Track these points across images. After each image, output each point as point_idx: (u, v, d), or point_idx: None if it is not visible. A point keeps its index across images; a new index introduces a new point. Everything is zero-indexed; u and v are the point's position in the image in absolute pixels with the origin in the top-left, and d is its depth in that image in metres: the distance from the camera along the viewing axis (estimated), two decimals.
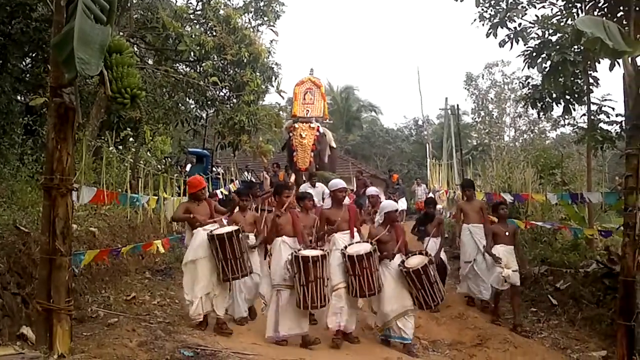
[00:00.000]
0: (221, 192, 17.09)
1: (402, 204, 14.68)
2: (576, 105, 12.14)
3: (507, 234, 9.42)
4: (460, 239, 10.42)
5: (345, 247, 8.14)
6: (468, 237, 10.19)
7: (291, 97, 27.59)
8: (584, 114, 11.98)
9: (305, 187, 14.42)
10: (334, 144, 20.94)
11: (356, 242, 8.34)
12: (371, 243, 8.10)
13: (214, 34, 15.44)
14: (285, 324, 7.93)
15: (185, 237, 9.49)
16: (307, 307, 7.70)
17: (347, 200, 9.14)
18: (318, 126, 19.65)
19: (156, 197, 11.90)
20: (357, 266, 7.82)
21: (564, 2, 11.18)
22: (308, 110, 19.58)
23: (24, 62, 13.59)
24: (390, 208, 8.60)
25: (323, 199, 13.75)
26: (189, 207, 8.47)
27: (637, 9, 8.64)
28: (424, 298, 7.90)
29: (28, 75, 13.36)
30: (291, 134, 19.67)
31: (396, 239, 8.41)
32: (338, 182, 8.85)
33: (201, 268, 8.08)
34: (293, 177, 18.74)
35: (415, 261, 8.07)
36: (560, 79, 11.43)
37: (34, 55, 13.15)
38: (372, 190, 13.14)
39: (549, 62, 11.25)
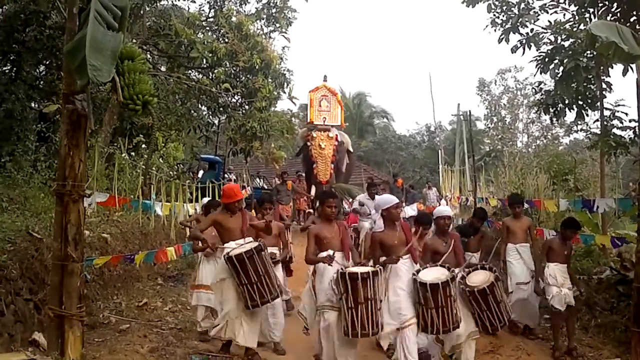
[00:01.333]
0: None
1: (411, 210, 13.55)
2: (589, 111, 12.06)
3: (565, 252, 8.39)
4: (507, 260, 9.37)
5: (415, 274, 6.66)
6: (516, 257, 9.23)
7: (304, 104, 27.52)
8: (597, 120, 11.89)
9: (362, 198, 12.87)
10: (351, 148, 20.29)
11: (427, 267, 6.85)
12: (448, 268, 6.73)
13: (226, 40, 15.48)
14: (330, 355, 6.72)
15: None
16: (357, 334, 6.34)
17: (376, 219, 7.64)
18: (337, 135, 19.09)
19: (169, 204, 11.95)
20: (434, 296, 6.40)
21: (577, 7, 11.13)
22: (325, 118, 19.12)
23: (37, 70, 13.69)
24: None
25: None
26: (219, 220, 7.43)
27: None
28: (489, 320, 6.79)
29: (42, 82, 13.45)
30: (309, 143, 18.94)
31: (454, 250, 7.23)
32: (390, 198, 7.23)
33: (227, 289, 7.12)
34: (313, 190, 18.42)
35: (479, 278, 6.95)
36: (573, 85, 11.36)
37: (47, 62, 13.24)
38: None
39: (561, 68, 11.19)
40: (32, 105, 13.17)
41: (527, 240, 9.30)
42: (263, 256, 7.01)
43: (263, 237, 7.71)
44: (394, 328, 6.57)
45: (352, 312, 6.30)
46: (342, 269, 6.51)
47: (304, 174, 20.61)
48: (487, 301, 6.69)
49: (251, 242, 7.29)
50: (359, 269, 6.47)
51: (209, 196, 15.28)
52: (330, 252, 6.78)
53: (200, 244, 7.87)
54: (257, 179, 24.76)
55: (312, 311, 7.07)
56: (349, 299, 6.30)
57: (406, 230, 7.07)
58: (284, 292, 8.27)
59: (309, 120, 19.18)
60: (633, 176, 17.85)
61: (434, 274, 6.61)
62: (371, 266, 6.64)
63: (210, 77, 16.12)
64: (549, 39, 11.74)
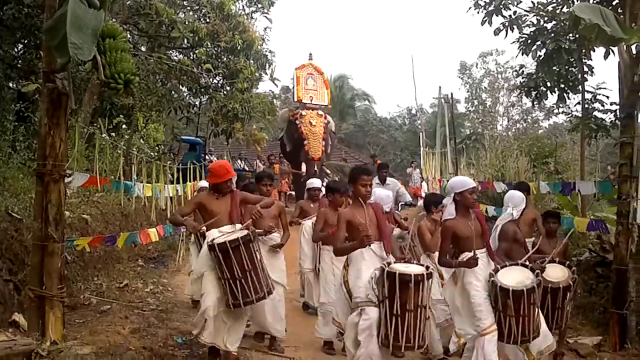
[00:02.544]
0: None
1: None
2: (570, 94, 12.12)
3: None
4: None
5: (493, 274, 5.65)
6: None
7: (286, 85, 27.14)
8: (578, 103, 11.96)
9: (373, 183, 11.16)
10: (334, 129, 20.21)
11: (505, 266, 5.80)
12: (531, 269, 5.72)
13: (208, 20, 15.34)
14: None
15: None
16: (400, 347, 5.36)
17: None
18: (325, 115, 18.92)
19: (150, 185, 11.87)
20: (516, 304, 5.44)
21: None
22: (312, 97, 18.79)
23: (16, 49, 13.50)
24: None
25: (397, 201, 10.85)
26: (204, 202, 6.47)
27: None
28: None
29: (20, 61, 13.26)
30: (298, 121, 18.57)
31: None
32: (466, 180, 6.10)
33: (208, 281, 6.20)
34: (304, 167, 18.15)
35: (557, 274, 6.28)
36: (554, 67, 11.40)
37: (26, 41, 13.04)
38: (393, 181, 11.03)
39: (543, 50, 11.22)
40: (10, 84, 12.98)
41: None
42: (251, 248, 6.07)
43: (260, 219, 6.76)
44: (469, 336, 5.74)
45: (398, 321, 5.24)
46: (387, 265, 5.43)
47: (284, 154, 20.39)
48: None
49: (240, 230, 6.27)
50: (411, 269, 5.40)
51: (190, 178, 15.22)
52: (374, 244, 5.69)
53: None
54: (239, 161, 24.67)
55: (346, 314, 5.82)
56: (395, 304, 5.24)
57: (481, 218, 6.06)
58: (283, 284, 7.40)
59: (296, 99, 18.83)
60: (611, 159, 18.00)
61: (515, 277, 5.62)
62: (421, 264, 5.76)
63: (191, 58, 15.97)
64: (532, 21, 11.73)
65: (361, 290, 5.54)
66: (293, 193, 19.96)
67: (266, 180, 7.77)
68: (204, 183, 9.86)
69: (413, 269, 5.40)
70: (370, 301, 5.47)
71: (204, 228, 6.35)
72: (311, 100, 18.61)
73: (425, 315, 5.35)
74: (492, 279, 5.59)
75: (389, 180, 10.85)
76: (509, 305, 5.42)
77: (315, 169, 17.56)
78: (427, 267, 5.51)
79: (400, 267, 5.39)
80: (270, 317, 7.11)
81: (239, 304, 6.01)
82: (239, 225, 6.38)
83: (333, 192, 7.79)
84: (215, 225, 6.30)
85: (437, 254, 6.41)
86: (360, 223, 5.66)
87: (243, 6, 16.86)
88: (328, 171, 18.91)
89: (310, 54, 19.36)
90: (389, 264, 5.47)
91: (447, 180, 18.51)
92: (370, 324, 5.40)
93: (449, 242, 5.87)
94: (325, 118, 18.58)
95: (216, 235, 6.17)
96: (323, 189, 9.23)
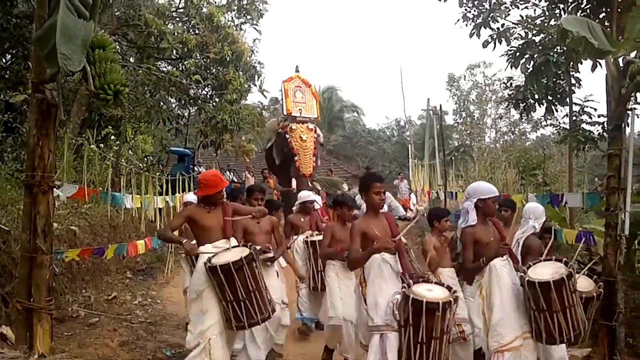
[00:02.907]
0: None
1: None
2: (558, 106, 12.20)
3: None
4: None
5: (524, 274, 5.38)
6: None
7: (274, 97, 26.95)
8: (566, 115, 12.04)
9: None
10: (322, 141, 19.80)
11: (531, 266, 5.55)
12: (565, 262, 5.46)
13: (197, 31, 15.37)
14: None
15: None
16: None
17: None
18: (315, 128, 18.43)
19: (139, 196, 11.82)
20: (559, 295, 5.12)
21: (547, 3, 11.22)
22: (301, 110, 18.33)
23: (4, 59, 13.45)
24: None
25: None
26: (194, 216, 5.88)
27: (620, 10, 8.71)
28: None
29: (8, 72, 13.22)
30: (288, 135, 17.92)
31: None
32: (489, 187, 6.04)
33: (208, 299, 5.61)
34: (294, 183, 17.63)
35: (584, 284, 5.74)
36: (543, 80, 11.49)
37: (14, 51, 13.01)
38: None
39: (532, 63, 11.30)
40: None
41: None
42: (254, 267, 5.59)
43: (253, 235, 6.68)
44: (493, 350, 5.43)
45: (423, 349, 4.87)
46: (407, 288, 5.03)
47: (271, 168, 19.96)
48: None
49: (237, 246, 5.86)
50: (436, 294, 5.02)
51: (179, 190, 15.16)
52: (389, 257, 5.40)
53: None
54: (227, 172, 24.61)
55: (366, 334, 5.42)
56: (421, 332, 4.84)
57: (498, 225, 5.97)
58: (283, 303, 6.98)
59: (285, 112, 18.46)
60: (599, 171, 18.10)
61: (547, 270, 5.34)
62: (441, 284, 5.34)
63: (180, 69, 16.02)
64: (520, 34, 11.83)
65: (380, 313, 5.18)
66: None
67: (257, 194, 7.46)
68: (191, 197, 9.19)
69: (438, 293, 5.03)
70: (390, 326, 5.12)
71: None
72: (300, 113, 18.18)
73: (450, 338, 5.09)
74: (527, 279, 5.27)
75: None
76: (553, 299, 5.10)
77: (308, 184, 17.25)
78: (450, 289, 5.16)
79: (425, 293, 4.99)
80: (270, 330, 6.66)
81: (243, 325, 5.56)
82: (233, 241, 5.93)
83: (341, 205, 7.40)
84: (208, 239, 5.80)
85: (444, 270, 6.30)
86: (376, 235, 5.36)
87: (232, 17, 16.93)
88: (319, 187, 18.68)
89: (297, 67, 19.07)
90: (408, 285, 5.08)
91: (436, 192, 18.59)
92: (392, 349, 5.09)
93: (471, 249, 5.73)
94: (315, 132, 18.25)
95: (210, 250, 5.69)
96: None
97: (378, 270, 5.33)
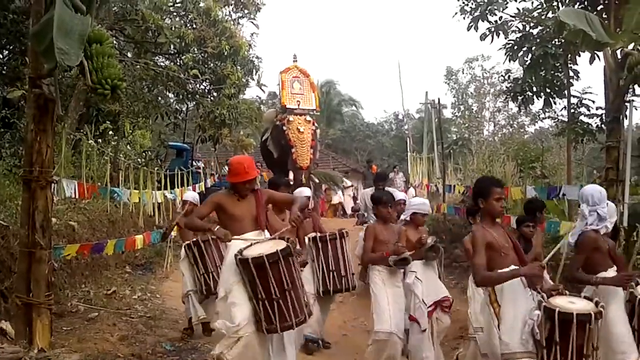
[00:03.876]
0: (199, 187, 16.79)
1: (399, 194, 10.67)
2: (556, 99, 12.21)
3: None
4: None
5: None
6: None
7: (272, 91, 26.72)
8: (564, 107, 12.05)
9: (366, 195, 10.30)
10: (317, 136, 19.42)
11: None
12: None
13: (194, 26, 15.33)
14: None
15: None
16: None
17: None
18: (313, 120, 17.75)
19: (137, 191, 11.83)
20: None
21: None
22: (299, 102, 17.65)
23: (1, 55, 13.42)
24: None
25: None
26: (223, 204, 5.37)
27: (617, 2, 8.71)
28: None
29: (5, 68, 13.18)
30: (285, 127, 17.24)
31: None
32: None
33: (238, 293, 5.03)
34: (291, 175, 17.58)
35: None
36: (541, 72, 11.50)
37: (11, 47, 12.97)
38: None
39: (530, 56, 11.32)
40: None
41: None
42: (291, 263, 5.03)
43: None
44: None
45: None
46: (546, 301, 4.40)
47: (268, 161, 19.61)
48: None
49: (272, 239, 5.27)
50: (580, 305, 4.40)
51: (178, 185, 15.18)
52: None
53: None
54: (226, 167, 24.56)
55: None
56: (571, 350, 4.21)
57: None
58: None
59: (281, 103, 18.17)
60: (598, 164, 18.11)
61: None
62: (577, 295, 4.71)
63: (178, 64, 15.95)
64: (518, 27, 11.85)
65: (517, 337, 4.44)
66: None
67: (283, 189, 7.04)
68: (190, 194, 8.86)
69: (582, 305, 4.42)
70: (529, 352, 4.40)
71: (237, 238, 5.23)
72: (298, 105, 17.68)
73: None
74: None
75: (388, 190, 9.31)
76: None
77: (303, 178, 17.05)
78: (592, 299, 4.53)
79: (568, 305, 4.37)
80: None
81: (275, 329, 4.96)
82: (267, 233, 5.40)
83: (378, 203, 6.82)
84: (238, 230, 5.28)
85: None
86: (502, 246, 4.67)
87: (230, 12, 16.88)
88: (317, 180, 18.54)
89: (295, 56, 18.53)
90: (545, 297, 4.46)
91: (435, 186, 18.58)
92: None
93: (589, 255, 5.18)
94: (314, 124, 17.84)
95: (241, 245, 5.12)
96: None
97: (519, 288, 4.59)
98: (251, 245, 5.12)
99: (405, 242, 6.63)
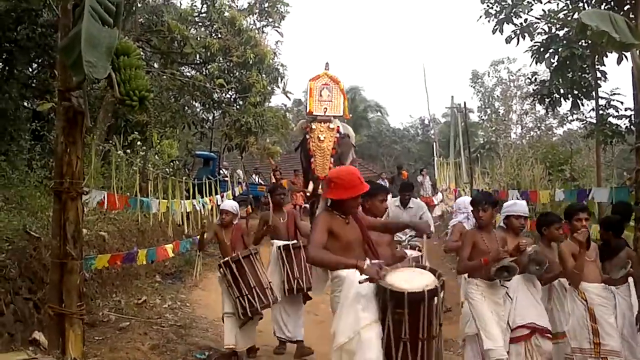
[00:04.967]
0: (227, 196, 16.85)
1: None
2: (584, 100, 12.09)
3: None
4: None
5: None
6: None
7: (298, 99, 26.67)
8: (593, 109, 11.94)
9: (391, 205, 8.57)
10: (354, 142, 18.46)
11: None
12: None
13: (219, 36, 15.44)
14: None
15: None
16: None
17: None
18: (338, 126, 17.31)
19: (165, 201, 11.92)
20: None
21: None
22: (326, 109, 17.38)
23: (30, 68, 13.63)
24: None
25: None
26: (334, 228, 4.46)
27: None
28: None
29: (35, 81, 13.39)
30: (308, 136, 17.07)
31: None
32: None
33: (373, 336, 4.10)
34: (311, 186, 17.08)
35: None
36: (568, 74, 11.41)
37: (40, 60, 13.18)
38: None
39: (556, 57, 11.23)
40: (26, 104, 13.11)
41: None
42: (433, 305, 4.10)
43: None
44: None
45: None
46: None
47: (301, 170, 19.58)
48: None
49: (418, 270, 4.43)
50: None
51: (206, 194, 15.28)
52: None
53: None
54: (254, 175, 24.67)
55: None
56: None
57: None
58: None
59: (308, 111, 17.97)
60: (627, 165, 17.88)
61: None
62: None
63: (203, 73, 16.07)
64: (543, 29, 11.76)
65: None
66: (307, 206, 19.64)
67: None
68: (230, 204, 8.08)
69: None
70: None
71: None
72: (325, 112, 17.38)
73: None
74: None
75: (412, 202, 9.13)
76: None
77: (321, 187, 16.66)
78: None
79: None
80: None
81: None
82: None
83: (478, 205, 5.92)
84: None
85: (589, 286, 5.68)
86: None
87: (254, 21, 16.94)
88: None
89: (327, 64, 18.20)
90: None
91: (462, 190, 18.46)
92: None
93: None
94: (338, 131, 17.36)
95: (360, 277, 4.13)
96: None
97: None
98: (394, 273, 4.25)
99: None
